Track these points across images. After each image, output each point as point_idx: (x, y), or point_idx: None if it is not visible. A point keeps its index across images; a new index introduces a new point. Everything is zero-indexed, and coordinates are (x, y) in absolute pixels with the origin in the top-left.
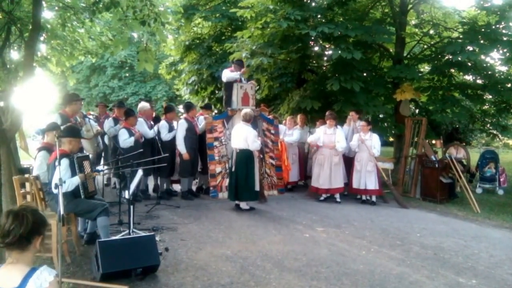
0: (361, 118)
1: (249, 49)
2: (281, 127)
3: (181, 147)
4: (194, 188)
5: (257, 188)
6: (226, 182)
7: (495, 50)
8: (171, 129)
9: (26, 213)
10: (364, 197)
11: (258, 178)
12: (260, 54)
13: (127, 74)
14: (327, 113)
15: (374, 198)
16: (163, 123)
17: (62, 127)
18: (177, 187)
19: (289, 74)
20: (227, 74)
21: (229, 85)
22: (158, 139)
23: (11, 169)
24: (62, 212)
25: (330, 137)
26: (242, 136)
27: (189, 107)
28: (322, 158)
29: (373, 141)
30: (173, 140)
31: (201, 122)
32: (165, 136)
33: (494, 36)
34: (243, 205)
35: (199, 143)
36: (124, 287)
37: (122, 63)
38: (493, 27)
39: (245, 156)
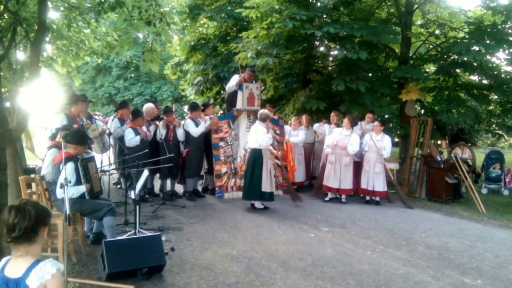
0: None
1: (255, 49)
2: (286, 127)
3: (200, 129)
4: (200, 188)
5: (263, 188)
6: (232, 182)
7: (501, 50)
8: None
9: (27, 207)
10: (368, 197)
11: (271, 179)
12: (265, 54)
13: (132, 75)
14: (347, 116)
15: (378, 198)
16: (162, 125)
17: (70, 130)
18: (179, 188)
19: (294, 74)
20: (228, 84)
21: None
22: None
23: (17, 169)
24: (68, 212)
25: (345, 138)
26: (254, 135)
27: (194, 107)
28: (334, 158)
29: (384, 142)
30: (175, 141)
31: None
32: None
33: (500, 36)
34: (258, 204)
35: (205, 143)
36: (130, 287)
37: (128, 63)
38: (499, 27)
39: (254, 156)
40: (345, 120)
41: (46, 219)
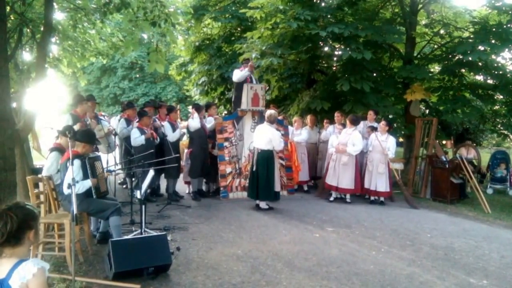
0: (377, 119)
1: (259, 49)
2: (290, 128)
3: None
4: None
5: (276, 188)
6: (237, 182)
7: (507, 49)
8: (174, 129)
9: (11, 213)
10: (372, 197)
11: (279, 179)
12: (270, 54)
13: (137, 75)
14: (349, 116)
15: (382, 198)
16: (166, 125)
17: (78, 130)
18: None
19: (298, 74)
20: (238, 74)
21: (240, 86)
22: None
23: (24, 169)
24: (75, 211)
25: (346, 137)
26: (267, 137)
27: (197, 108)
28: (335, 156)
29: (389, 142)
30: (178, 141)
31: (209, 122)
32: (171, 136)
33: (506, 36)
34: (263, 204)
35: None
36: (136, 286)
37: (133, 64)
38: (505, 26)
39: (266, 157)
40: (347, 120)
41: (31, 223)
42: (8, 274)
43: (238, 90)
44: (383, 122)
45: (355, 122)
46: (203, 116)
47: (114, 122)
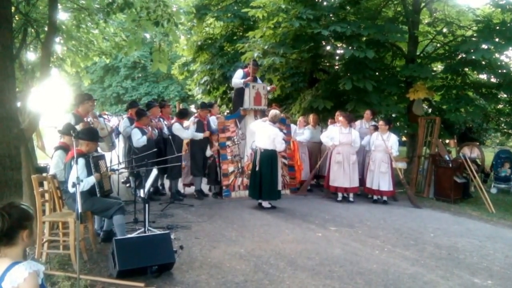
0: (374, 119)
1: (261, 49)
2: (293, 126)
3: (198, 136)
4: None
5: (279, 187)
6: (239, 181)
7: (510, 48)
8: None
9: (4, 212)
10: (375, 197)
11: (281, 178)
12: (272, 53)
13: (140, 75)
14: (342, 114)
15: (385, 198)
16: (176, 126)
17: (80, 128)
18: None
19: (301, 73)
20: (235, 80)
21: (239, 87)
22: (172, 140)
23: (29, 168)
24: (80, 210)
25: (347, 136)
26: (269, 137)
27: (201, 107)
28: (340, 157)
29: (391, 141)
30: (182, 141)
31: (212, 121)
32: (183, 136)
33: (509, 34)
34: (265, 203)
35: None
36: (140, 284)
37: (135, 63)
38: (508, 25)
39: (270, 156)
40: (342, 119)
41: (25, 222)
42: (1, 277)
43: (237, 91)
44: (381, 122)
45: (351, 121)
46: (205, 115)
47: (116, 121)
